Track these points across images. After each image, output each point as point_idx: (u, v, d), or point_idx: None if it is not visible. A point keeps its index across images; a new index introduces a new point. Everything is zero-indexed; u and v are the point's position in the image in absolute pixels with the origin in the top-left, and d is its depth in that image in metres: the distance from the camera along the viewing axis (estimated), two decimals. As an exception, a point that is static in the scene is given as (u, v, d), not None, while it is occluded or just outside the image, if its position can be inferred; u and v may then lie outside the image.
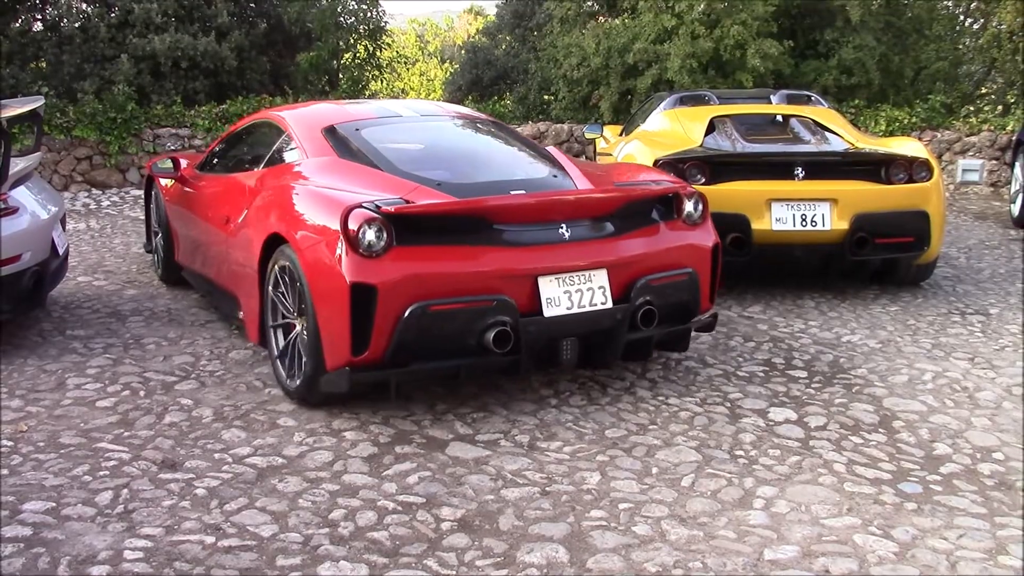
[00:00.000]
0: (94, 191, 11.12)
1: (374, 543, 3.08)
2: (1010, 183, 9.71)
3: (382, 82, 17.44)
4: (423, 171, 4.42)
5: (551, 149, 5.14)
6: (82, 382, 4.57)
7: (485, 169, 4.71)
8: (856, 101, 12.57)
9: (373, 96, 15.32)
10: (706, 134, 6.96)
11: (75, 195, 10.93)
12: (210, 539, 3.09)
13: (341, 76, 15.54)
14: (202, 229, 5.55)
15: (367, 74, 16.16)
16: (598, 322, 4.08)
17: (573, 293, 4.01)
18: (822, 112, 7.53)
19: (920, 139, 10.81)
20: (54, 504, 3.30)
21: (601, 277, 4.08)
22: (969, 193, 11.26)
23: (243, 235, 4.73)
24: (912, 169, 6.24)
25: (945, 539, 3.14)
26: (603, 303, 4.07)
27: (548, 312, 3.97)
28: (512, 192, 4.22)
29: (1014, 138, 9.89)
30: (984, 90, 15.80)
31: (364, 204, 3.87)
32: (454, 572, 2.91)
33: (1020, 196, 8.96)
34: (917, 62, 13.58)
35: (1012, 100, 12.35)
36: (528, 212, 4.06)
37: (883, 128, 11.82)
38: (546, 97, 15.10)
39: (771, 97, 8.19)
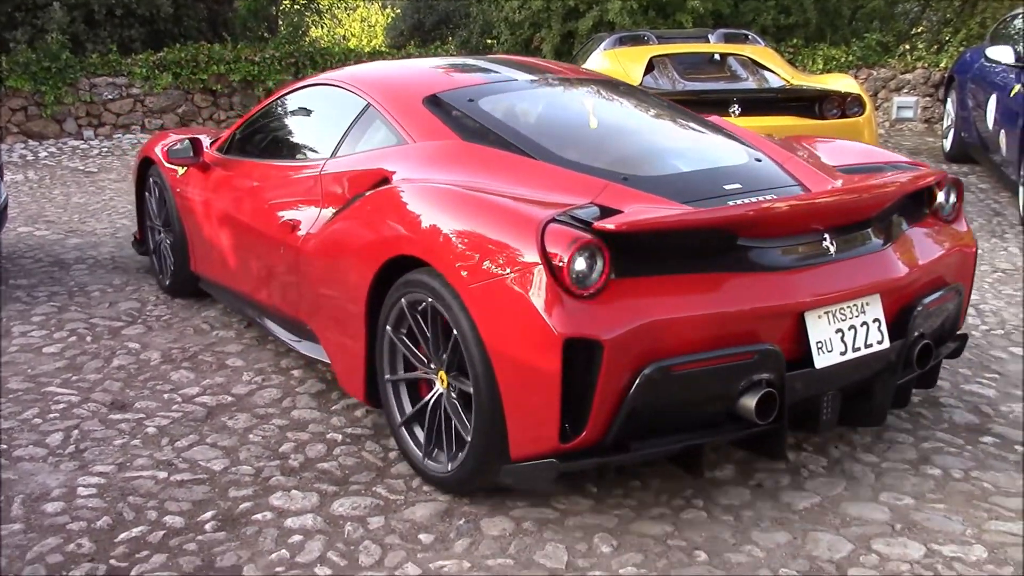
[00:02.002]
0: (31, 142, 10.92)
1: (324, 473, 3.18)
2: (942, 119, 9.93)
3: (322, 27, 17.23)
4: (591, 160, 3.27)
5: (719, 120, 4.07)
6: (27, 329, 4.58)
7: (669, 155, 3.55)
8: (794, 40, 12.71)
9: (314, 43, 15.11)
10: (645, 73, 7.05)
11: (11, 146, 10.74)
12: (162, 474, 3.17)
13: (280, 22, 15.32)
14: (245, 235, 4.19)
15: (307, 20, 15.95)
16: (870, 367, 3.02)
17: (846, 332, 2.94)
18: (759, 50, 7.65)
19: (856, 77, 10.97)
20: (4, 447, 3.35)
21: (876, 307, 3.00)
22: (904, 130, 11.48)
23: (330, 250, 3.49)
24: (845, 105, 6.40)
25: None
26: (879, 342, 2.99)
27: (819, 362, 2.88)
28: (727, 186, 3.14)
29: (947, 75, 10.09)
30: (919, 28, 16.02)
31: (560, 216, 2.72)
32: (402, 497, 3.02)
33: (952, 132, 9.19)
34: (854, 1, 13.73)
35: (947, 38, 12.56)
36: (787, 221, 2.92)
37: (820, 66, 11.97)
38: (488, 41, 15.05)
39: (709, 36, 8.30)
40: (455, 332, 2.82)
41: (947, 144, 9.28)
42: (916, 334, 3.07)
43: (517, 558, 2.68)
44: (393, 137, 3.63)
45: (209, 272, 4.68)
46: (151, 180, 5.23)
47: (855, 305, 2.95)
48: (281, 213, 3.89)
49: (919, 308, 3.08)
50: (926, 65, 11.94)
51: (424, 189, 3.19)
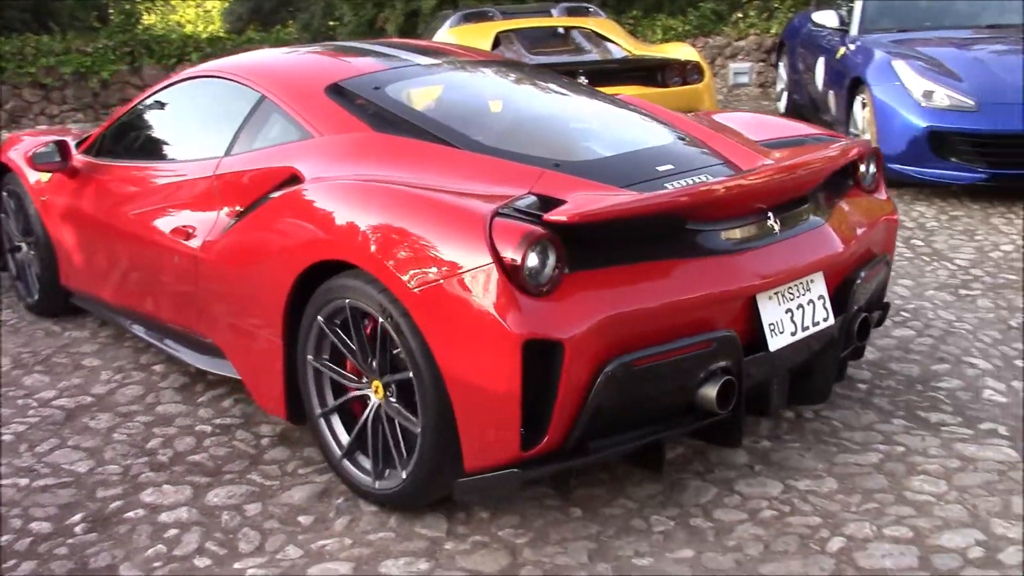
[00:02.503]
0: None
1: (195, 465, 3.14)
2: (775, 83, 10.37)
3: (156, 14, 16.63)
4: (517, 147, 3.08)
5: (636, 100, 3.89)
6: None
7: (594, 137, 3.38)
8: (633, 12, 13.04)
9: (149, 30, 14.59)
10: (492, 49, 7.12)
11: None
12: (24, 481, 3.07)
13: (112, 10, 14.72)
14: (128, 244, 3.82)
15: (139, 7, 15.37)
16: (818, 345, 2.97)
17: (795, 311, 2.87)
18: (601, 23, 7.83)
19: (694, 45, 11.33)
20: None
21: (820, 284, 2.95)
22: (741, 95, 11.93)
23: (238, 258, 3.21)
24: (685, 72, 6.64)
25: None
26: (824, 319, 2.94)
27: (773, 344, 2.80)
28: (660, 167, 3.01)
29: (777, 41, 10.54)
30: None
31: (504, 210, 2.54)
32: (277, 482, 3.01)
33: (784, 94, 9.61)
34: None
35: (776, 5, 13.09)
36: (736, 201, 2.82)
37: (660, 36, 12.32)
38: (331, 23, 14.85)
39: (552, 11, 8.43)
40: (396, 339, 2.62)
41: (781, 107, 9.71)
42: (856, 308, 3.06)
43: (398, 530, 2.72)
44: (295, 131, 3.34)
45: (84, 286, 4.27)
46: (5, 190, 4.75)
47: (802, 284, 2.89)
48: (171, 218, 3.57)
49: (858, 281, 3.05)
50: (758, 32, 12.43)
51: (348, 186, 2.92)
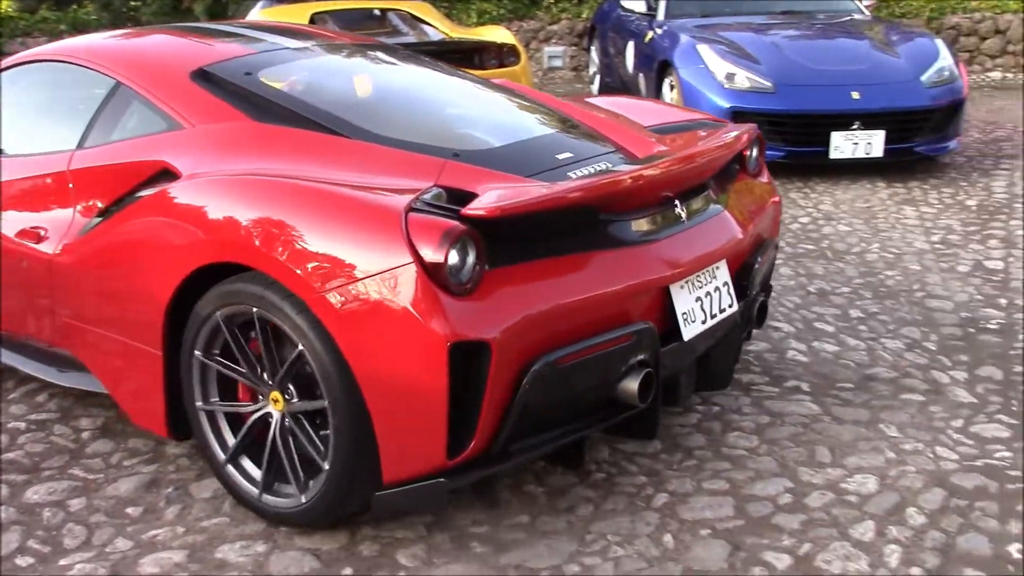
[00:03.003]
0: None
1: (11, 463, 2.99)
2: (588, 66, 10.67)
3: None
4: (411, 135, 2.91)
5: (518, 87, 3.81)
6: None
7: (487, 125, 3.26)
8: (448, -5, 13.09)
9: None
10: (307, 31, 7.01)
11: None
12: None
13: None
14: None
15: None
16: (723, 331, 2.95)
17: (704, 299, 2.85)
18: (416, 5, 7.83)
19: (508, 28, 11.50)
20: None
21: (724, 270, 2.93)
22: (556, 78, 12.19)
23: (105, 262, 2.89)
24: (502, 55, 6.74)
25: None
26: (730, 305, 2.94)
27: (686, 333, 2.77)
28: (559, 156, 2.91)
29: (589, 25, 10.83)
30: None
31: (417, 204, 2.38)
32: (102, 475, 2.92)
33: (597, 77, 9.90)
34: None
35: (586, -10, 13.47)
36: (647, 190, 2.75)
37: (475, 19, 12.43)
38: (132, 3, 14.19)
39: (367, -8, 8.36)
40: (300, 347, 2.42)
41: (595, 89, 9.99)
42: (754, 292, 3.06)
43: (233, 515, 2.68)
44: (161, 121, 3.03)
45: None
46: None
47: (708, 271, 2.86)
48: (17, 220, 3.20)
49: (756, 266, 3.06)
50: (570, 16, 12.72)
51: (240, 182, 2.66)
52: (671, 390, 2.90)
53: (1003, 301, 4.20)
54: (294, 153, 2.79)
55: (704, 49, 6.75)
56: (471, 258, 2.29)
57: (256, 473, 2.64)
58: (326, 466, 2.46)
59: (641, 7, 8.07)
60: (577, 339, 2.47)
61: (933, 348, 3.72)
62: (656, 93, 7.28)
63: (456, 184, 2.55)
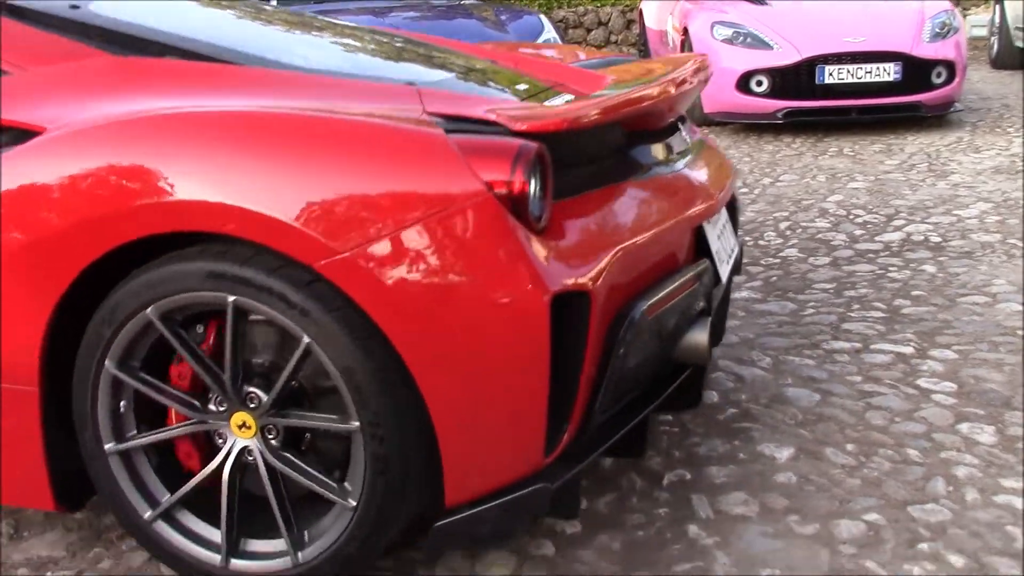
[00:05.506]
0: None
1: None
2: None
3: None
4: (351, 68, 2.35)
5: (414, 34, 3.08)
6: None
7: (422, 63, 2.55)
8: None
9: None
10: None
11: None
12: None
13: None
14: None
15: None
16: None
17: (720, 239, 2.38)
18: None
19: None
20: None
21: (724, 210, 2.50)
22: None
23: None
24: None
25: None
26: (734, 247, 2.50)
27: (723, 274, 2.31)
28: (519, 87, 2.37)
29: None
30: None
31: (448, 126, 1.75)
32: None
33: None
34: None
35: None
36: (667, 107, 2.23)
37: None
38: None
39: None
40: (306, 340, 1.68)
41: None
42: (739, 234, 2.72)
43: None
44: None
45: None
46: None
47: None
48: None
49: (737, 206, 2.72)
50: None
51: (182, 119, 1.77)
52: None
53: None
54: (214, 87, 1.93)
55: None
56: (538, 188, 1.71)
57: (209, 532, 1.88)
58: (351, 502, 1.76)
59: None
60: (652, 284, 1.95)
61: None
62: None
63: (450, 111, 1.84)
